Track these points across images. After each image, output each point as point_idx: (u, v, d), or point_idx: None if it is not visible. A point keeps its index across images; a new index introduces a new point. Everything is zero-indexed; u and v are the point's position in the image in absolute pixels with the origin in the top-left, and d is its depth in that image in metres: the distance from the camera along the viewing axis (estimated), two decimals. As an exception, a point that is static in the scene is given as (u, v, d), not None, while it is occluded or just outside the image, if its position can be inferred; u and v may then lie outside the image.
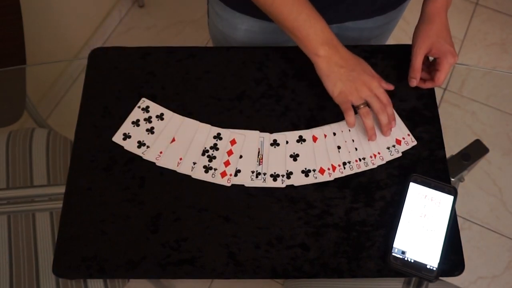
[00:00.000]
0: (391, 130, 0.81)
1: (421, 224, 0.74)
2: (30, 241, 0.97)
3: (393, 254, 0.72)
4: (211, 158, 0.80)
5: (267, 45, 0.96)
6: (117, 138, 0.83)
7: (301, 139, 0.82)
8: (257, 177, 0.79)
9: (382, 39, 1.07)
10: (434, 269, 0.71)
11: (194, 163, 0.80)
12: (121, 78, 0.88)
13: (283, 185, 0.78)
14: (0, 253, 0.96)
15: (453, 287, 0.92)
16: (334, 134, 0.82)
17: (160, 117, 0.84)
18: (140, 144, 0.82)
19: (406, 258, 0.72)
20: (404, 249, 0.72)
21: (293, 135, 0.82)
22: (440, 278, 0.73)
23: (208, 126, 0.83)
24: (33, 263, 0.95)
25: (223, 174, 0.79)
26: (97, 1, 1.87)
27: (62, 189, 0.80)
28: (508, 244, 1.53)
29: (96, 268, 0.73)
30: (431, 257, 0.72)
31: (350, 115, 0.79)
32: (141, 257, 0.74)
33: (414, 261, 0.72)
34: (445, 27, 0.84)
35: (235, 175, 0.79)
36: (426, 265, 0.71)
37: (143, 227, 0.76)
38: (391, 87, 0.81)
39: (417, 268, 0.71)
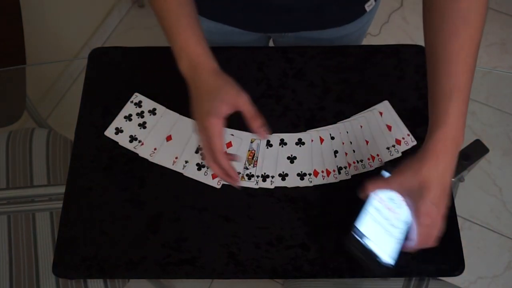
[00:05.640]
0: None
1: (386, 217, 0.68)
2: (30, 241, 0.97)
3: (352, 233, 0.68)
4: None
5: (228, 45, 0.95)
6: (109, 132, 0.83)
7: (300, 142, 0.82)
8: (249, 179, 0.79)
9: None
10: (386, 263, 0.67)
11: (186, 162, 0.80)
12: (121, 78, 0.88)
13: (272, 187, 0.78)
14: (0, 253, 0.96)
15: (453, 287, 0.92)
16: (333, 138, 0.82)
17: (153, 112, 0.84)
18: (132, 138, 0.82)
19: (363, 243, 0.68)
20: (364, 233, 0.68)
21: (292, 137, 0.82)
22: (440, 278, 0.72)
23: None
24: (33, 263, 0.95)
25: (214, 176, 0.79)
26: (97, 1, 1.87)
27: (62, 189, 0.80)
28: (508, 244, 1.52)
29: (96, 268, 0.73)
30: (386, 251, 0.67)
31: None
32: (141, 257, 0.74)
33: (369, 249, 0.68)
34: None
35: None
36: (379, 256, 0.67)
37: (143, 227, 0.76)
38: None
39: (369, 256, 0.67)
